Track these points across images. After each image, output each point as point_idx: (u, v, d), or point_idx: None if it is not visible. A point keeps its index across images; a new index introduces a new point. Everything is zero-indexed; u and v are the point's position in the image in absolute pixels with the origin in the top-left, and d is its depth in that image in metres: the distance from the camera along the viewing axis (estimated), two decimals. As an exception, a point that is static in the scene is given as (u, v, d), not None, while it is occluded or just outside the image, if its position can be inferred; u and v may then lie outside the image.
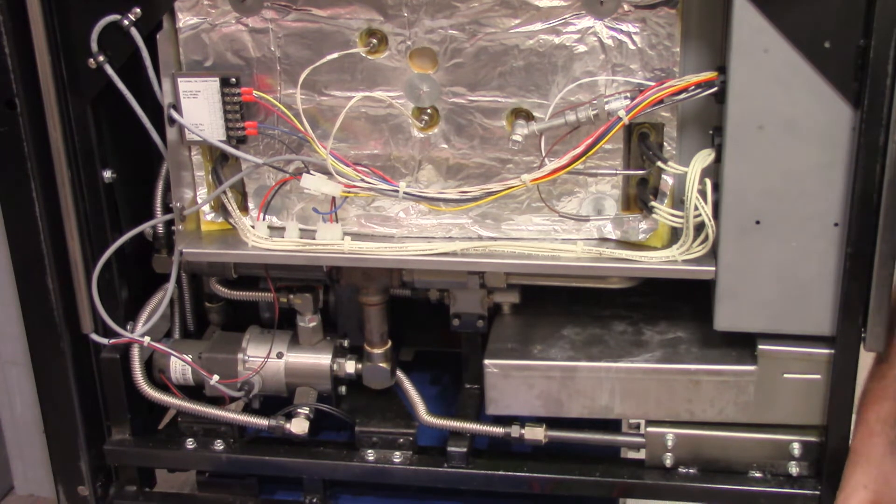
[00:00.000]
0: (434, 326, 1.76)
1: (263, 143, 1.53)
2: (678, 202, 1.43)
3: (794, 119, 1.32)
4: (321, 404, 1.67)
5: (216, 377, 1.65)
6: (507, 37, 1.40)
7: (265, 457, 1.67)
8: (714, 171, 1.39)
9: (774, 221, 1.38)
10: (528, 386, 1.56)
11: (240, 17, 1.45)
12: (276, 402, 1.69)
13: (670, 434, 1.55)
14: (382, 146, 1.50)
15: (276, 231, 1.56)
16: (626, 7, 1.36)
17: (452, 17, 1.40)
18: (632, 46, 1.38)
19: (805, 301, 1.43)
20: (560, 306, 1.68)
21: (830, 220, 1.37)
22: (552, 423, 1.60)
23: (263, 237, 1.54)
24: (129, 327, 1.65)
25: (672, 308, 1.66)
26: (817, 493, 1.52)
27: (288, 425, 1.63)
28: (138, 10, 1.43)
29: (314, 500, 1.70)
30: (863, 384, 1.50)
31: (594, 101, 1.39)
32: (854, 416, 1.48)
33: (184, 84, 1.47)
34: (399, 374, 1.70)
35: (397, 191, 1.47)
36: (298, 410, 1.66)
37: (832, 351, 1.44)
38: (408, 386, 1.69)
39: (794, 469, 1.53)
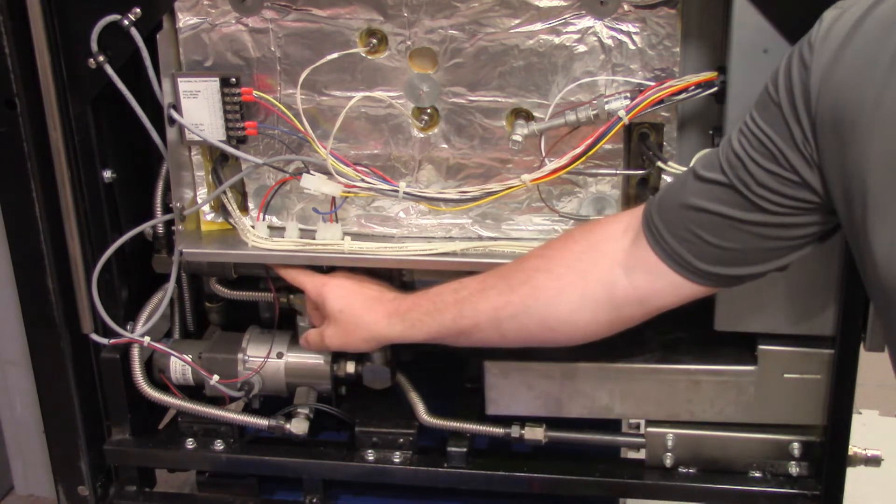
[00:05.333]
0: (434, 326, 1.76)
1: (263, 143, 1.53)
2: (678, 202, 1.43)
3: (794, 119, 1.32)
4: (321, 404, 1.67)
5: (216, 377, 1.65)
6: (507, 37, 1.40)
7: (265, 457, 1.67)
8: (714, 171, 1.39)
9: (774, 221, 1.37)
10: (528, 386, 1.56)
11: (240, 17, 1.45)
12: (276, 402, 1.69)
13: (670, 434, 1.55)
14: (382, 146, 1.50)
15: (276, 231, 1.56)
16: (626, 7, 1.36)
17: (452, 17, 1.40)
18: (632, 46, 1.38)
19: (805, 301, 1.43)
20: (560, 306, 1.67)
21: (830, 220, 1.36)
22: (552, 423, 1.59)
23: (263, 237, 1.54)
24: (129, 327, 1.65)
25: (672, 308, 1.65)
26: (817, 493, 1.52)
27: (288, 425, 1.63)
28: (138, 10, 1.43)
29: (314, 500, 1.70)
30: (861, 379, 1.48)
31: (594, 101, 1.39)
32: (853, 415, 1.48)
33: (184, 84, 1.47)
34: (399, 374, 1.70)
35: (397, 191, 1.47)
36: (298, 410, 1.65)
37: (832, 351, 1.44)
38: (408, 386, 1.69)
39: (794, 469, 1.53)
